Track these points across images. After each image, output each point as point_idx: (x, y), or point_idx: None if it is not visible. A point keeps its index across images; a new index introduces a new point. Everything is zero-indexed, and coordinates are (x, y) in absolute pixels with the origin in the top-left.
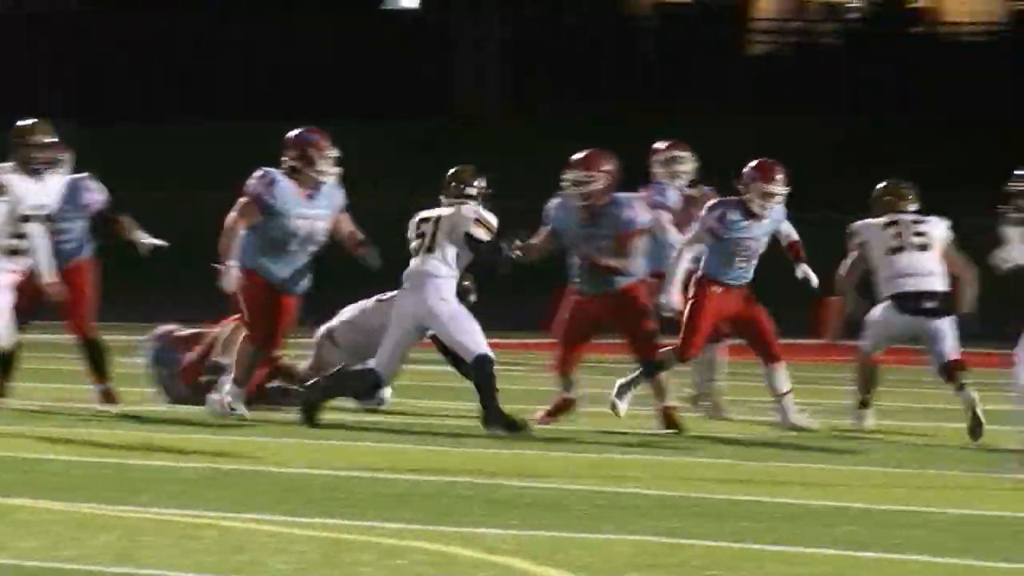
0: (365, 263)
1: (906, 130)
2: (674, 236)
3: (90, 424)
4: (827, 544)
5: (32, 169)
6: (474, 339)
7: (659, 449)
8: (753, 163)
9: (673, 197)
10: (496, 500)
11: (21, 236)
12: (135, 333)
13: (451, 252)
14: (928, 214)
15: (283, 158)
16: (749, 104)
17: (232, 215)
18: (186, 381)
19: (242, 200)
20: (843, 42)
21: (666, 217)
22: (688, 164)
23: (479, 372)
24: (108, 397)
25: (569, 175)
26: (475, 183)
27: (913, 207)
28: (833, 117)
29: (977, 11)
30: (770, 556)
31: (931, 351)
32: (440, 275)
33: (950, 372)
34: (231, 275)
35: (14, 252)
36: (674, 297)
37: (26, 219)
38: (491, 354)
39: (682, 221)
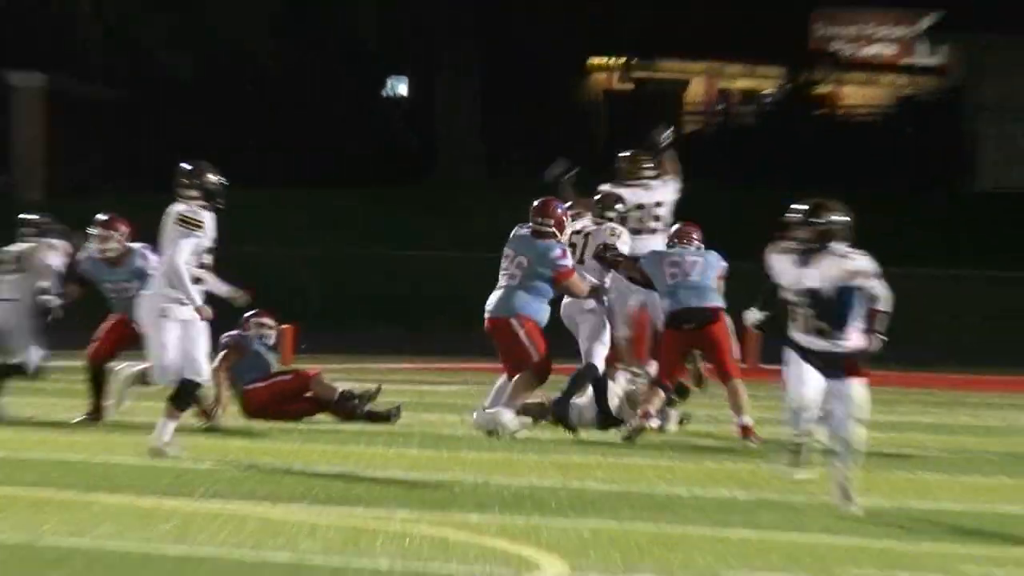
0: None
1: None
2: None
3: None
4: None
5: (213, 207)
6: (598, 352)
7: (615, 449)
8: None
9: None
10: (483, 493)
11: (204, 267)
12: None
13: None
14: None
15: (539, 222)
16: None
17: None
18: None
19: (576, 276)
20: (758, 122)
21: None
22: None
23: (587, 374)
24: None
25: None
26: (616, 207)
27: (650, 172)
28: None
29: (869, 96)
30: (697, 539)
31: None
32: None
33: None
34: None
35: (198, 281)
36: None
37: (209, 251)
38: (599, 365)
39: None
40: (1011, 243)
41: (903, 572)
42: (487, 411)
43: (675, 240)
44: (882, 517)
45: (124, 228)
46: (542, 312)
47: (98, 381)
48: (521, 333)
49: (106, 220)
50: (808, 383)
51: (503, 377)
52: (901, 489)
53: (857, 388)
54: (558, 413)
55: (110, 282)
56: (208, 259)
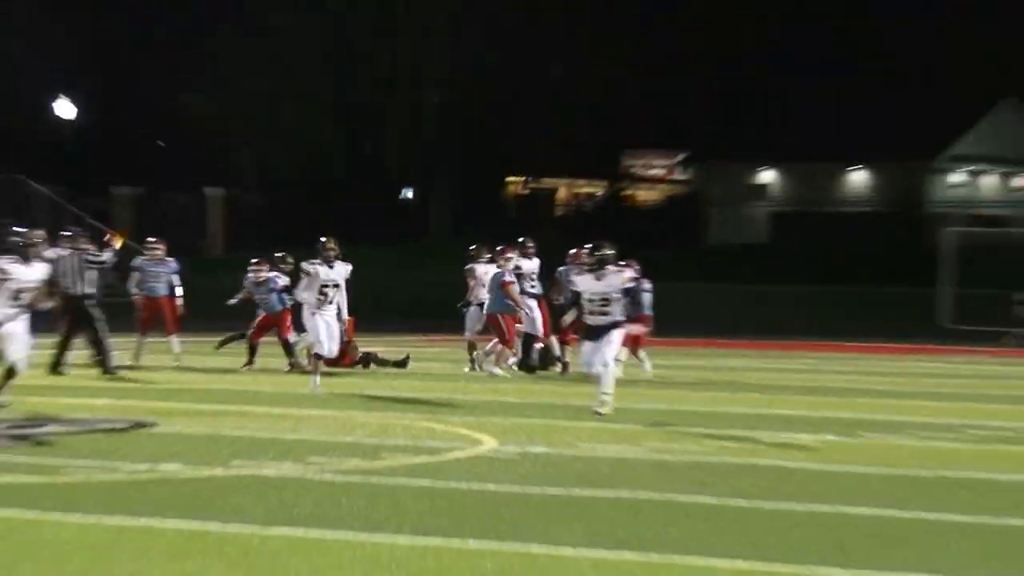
0: None
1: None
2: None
3: (276, 374)
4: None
5: (328, 261)
6: (538, 330)
7: (524, 380)
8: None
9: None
10: (453, 404)
11: (324, 294)
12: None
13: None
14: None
15: (498, 260)
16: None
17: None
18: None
19: (513, 288)
20: (594, 212)
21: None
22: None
23: (528, 341)
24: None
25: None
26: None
27: (485, 255)
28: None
29: (653, 197)
30: (564, 428)
31: None
32: None
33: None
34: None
35: (322, 302)
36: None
37: (326, 286)
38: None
39: None
40: (726, 272)
41: (656, 442)
42: (486, 361)
43: (569, 260)
44: (653, 415)
45: (265, 266)
46: (512, 310)
47: (252, 349)
48: (503, 323)
49: (256, 262)
50: (590, 353)
51: (494, 341)
52: (659, 399)
53: (616, 343)
54: (521, 364)
55: (258, 295)
56: (327, 289)
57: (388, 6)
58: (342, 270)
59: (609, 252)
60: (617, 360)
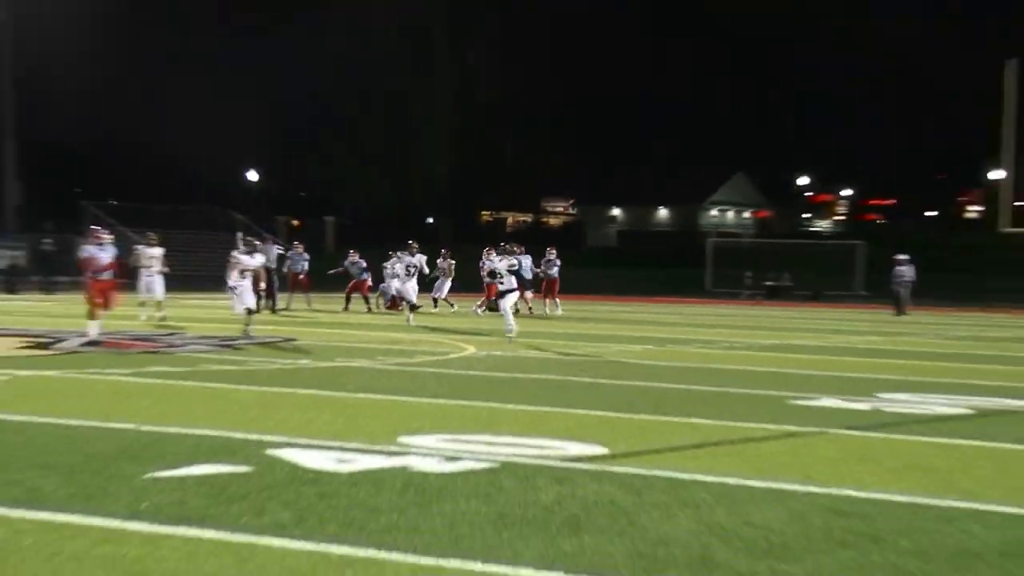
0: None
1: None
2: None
3: (357, 314)
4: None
5: (412, 252)
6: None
7: (490, 317)
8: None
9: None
10: (447, 331)
11: (410, 272)
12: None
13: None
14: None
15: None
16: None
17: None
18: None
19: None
20: (528, 230)
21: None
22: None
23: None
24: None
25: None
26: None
27: (445, 256)
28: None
29: (558, 222)
30: (501, 344)
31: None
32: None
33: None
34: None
35: (409, 275)
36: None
37: (411, 266)
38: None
39: None
40: (596, 262)
41: (559, 349)
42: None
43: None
44: (559, 335)
45: (357, 254)
46: (495, 283)
47: (348, 299)
48: (487, 288)
49: (352, 251)
50: (507, 303)
51: (484, 297)
52: (561, 327)
53: (512, 298)
54: (490, 307)
55: (351, 270)
56: (411, 268)
57: (403, 122)
58: (421, 258)
59: (512, 247)
60: (526, 301)
